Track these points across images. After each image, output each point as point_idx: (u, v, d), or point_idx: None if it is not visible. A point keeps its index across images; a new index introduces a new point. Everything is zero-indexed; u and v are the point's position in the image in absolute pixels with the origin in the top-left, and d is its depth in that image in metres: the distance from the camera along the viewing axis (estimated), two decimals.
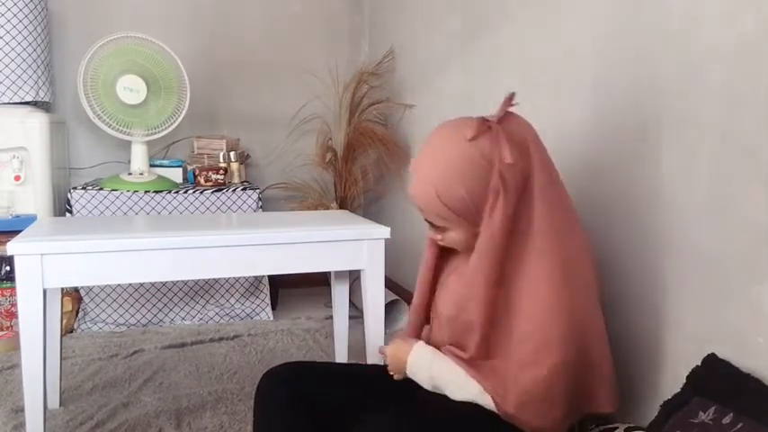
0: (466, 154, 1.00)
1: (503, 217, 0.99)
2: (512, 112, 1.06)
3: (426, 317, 1.23)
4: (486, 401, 1.03)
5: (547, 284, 0.98)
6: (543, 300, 0.98)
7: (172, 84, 2.46)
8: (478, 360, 1.05)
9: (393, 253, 2.17)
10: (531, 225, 1.01)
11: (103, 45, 2.35)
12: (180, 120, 2.49)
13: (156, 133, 2.48)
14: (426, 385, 1.11)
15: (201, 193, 2.51)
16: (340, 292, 1.92)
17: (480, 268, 1.02)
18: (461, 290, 1.08)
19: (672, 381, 1.16)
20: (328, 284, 2.33)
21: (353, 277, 2.22)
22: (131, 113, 2.41)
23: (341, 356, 1.92)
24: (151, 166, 2.60)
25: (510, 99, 1.05)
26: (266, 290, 2.65)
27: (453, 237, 1.08)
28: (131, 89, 2.36)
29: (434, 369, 1.09)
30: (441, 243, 1.12)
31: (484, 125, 1.01)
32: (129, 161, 2.53)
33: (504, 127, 1.02)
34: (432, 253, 1.20)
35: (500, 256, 1.01)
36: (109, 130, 2.41)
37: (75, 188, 2.40)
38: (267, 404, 1.15)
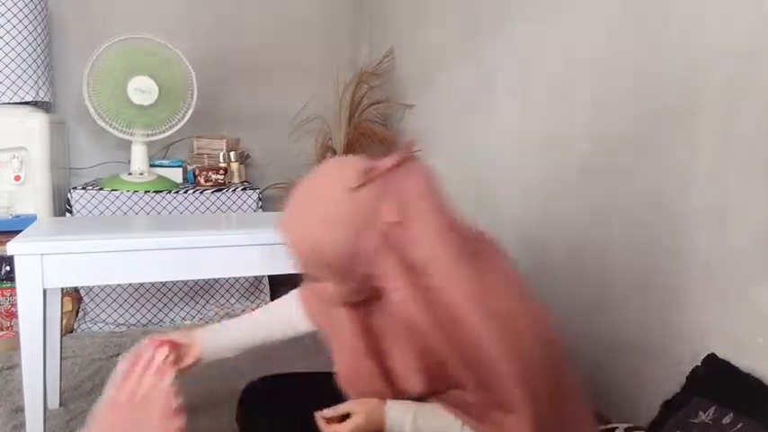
0: (346, 206, 0.89)
1: (396, 277, 0.89)
2: (409, 158, 0.94)
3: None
4: None
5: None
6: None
7: (178, 85, 2.47)
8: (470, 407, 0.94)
9: None
10: (434, 279, 0.89)
11: (110, 46, 2.34)
12: (185, 120, 2.50)
13: (160, 133, 2.48)
14: None
15: (201, 193, 2.51)
16: None
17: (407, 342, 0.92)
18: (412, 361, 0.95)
19: (672, 381, 1.16)
20: None
21: None
22: (141, 114, 2.42)
23: None
24: (151, 166, 2.60)
25: (408, 147, 0.94)
26: (266, 290, 2.65)
27: (327, 287, 0.96)
28: (143, 90, 2.37)
29: (420, 421, 0.95)
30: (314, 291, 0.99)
31: (371, 173, 0.89)
32: (129, 161, 2.53)
33: (393, 177, 0.90)
34: (356, 315, 0.99)
35: (421, 316, 0.89)
36: (117, 133, 2.41)
37: (75, 188, 2.40)
38: (251, 420, 1.13)
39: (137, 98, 2.36)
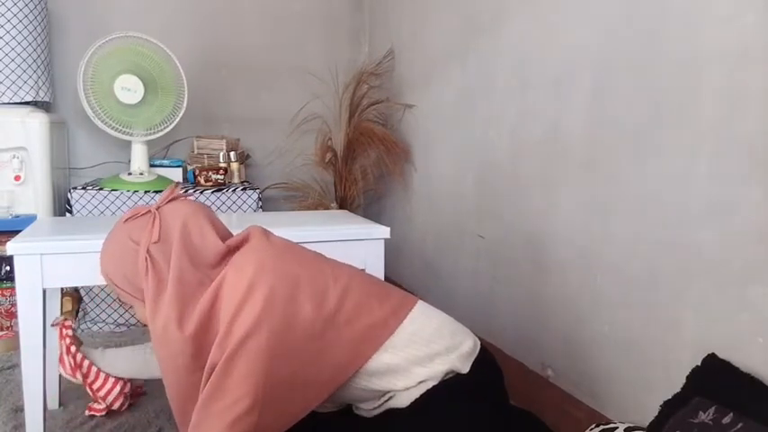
0: (118, 236, 1.15)
1: (152, 286, 1.08)
2: (182, 198, 1.20)
3: None
4: None
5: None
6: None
7: (169, 83, 2.45)
8: None
9: (393, 253, 2.16)
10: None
11: (102, 45, 2.35)
12: (178, 120, 2.49)
13: (154, 133, 2.48)
14: None
15: (201, 193, 2.51)
16: None
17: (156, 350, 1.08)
18: None
19: (672, 381, 1.16)
20: None
21: None
22: (129, 113, 2.41)
23: None
24: (151, 166, 2.60)
25: (172, 190, 1.20)
26: None
27: (140, 313, 1.16)
28: (129, 89, 2.36)
29: None
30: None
31: (143, 209, 1.16)
32: (129, 161, 2.53)
33: (162, 210, 1.15)
34: None
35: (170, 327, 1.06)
36: (109, 130, 2.41)
37: (75, 188, 2.40)
38: None
39: (123, 97, 2.36)
